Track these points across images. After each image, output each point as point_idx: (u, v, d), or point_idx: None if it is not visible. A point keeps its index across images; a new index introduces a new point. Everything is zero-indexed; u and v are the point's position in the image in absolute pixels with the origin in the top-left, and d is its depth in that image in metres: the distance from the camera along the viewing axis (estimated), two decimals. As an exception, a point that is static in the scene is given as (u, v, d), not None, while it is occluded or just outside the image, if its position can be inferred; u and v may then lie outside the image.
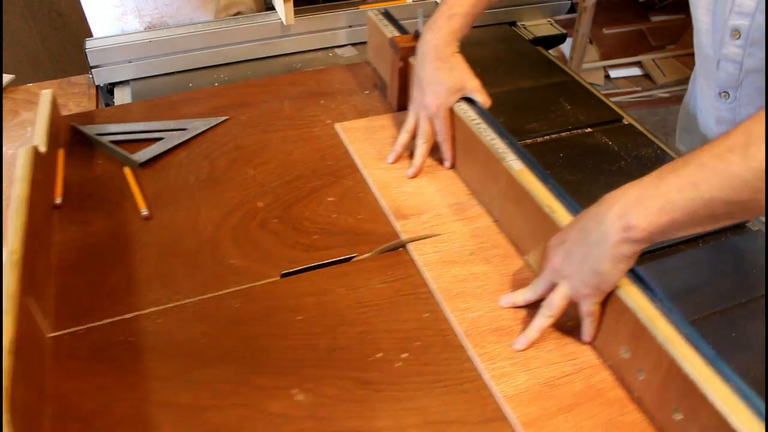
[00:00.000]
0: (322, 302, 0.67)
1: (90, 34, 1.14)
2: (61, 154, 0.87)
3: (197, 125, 0.91)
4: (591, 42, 3.18)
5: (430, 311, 0.66)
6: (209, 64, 1.12)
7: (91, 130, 0.90)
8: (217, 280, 0.70)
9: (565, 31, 1.30)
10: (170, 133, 0.90)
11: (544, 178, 0.68)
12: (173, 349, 0.63)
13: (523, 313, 0.65)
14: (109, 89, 1.10)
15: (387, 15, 0.97)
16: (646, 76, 3.17)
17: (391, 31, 0.92)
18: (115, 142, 0.87)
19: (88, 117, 0.96)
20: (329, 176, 0.83)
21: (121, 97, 1.07)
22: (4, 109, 1.02)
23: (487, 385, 0.59)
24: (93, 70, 1.07)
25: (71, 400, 0.59)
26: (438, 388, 0.59)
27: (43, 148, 0.79)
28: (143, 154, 0.85)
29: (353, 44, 1.19)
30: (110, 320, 0.66)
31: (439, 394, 0.59)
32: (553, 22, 1.30)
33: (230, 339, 0.64)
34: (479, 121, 0.76)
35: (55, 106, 0.90)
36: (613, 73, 3.08)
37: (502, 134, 0.73)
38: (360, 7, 1.17)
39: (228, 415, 0.57)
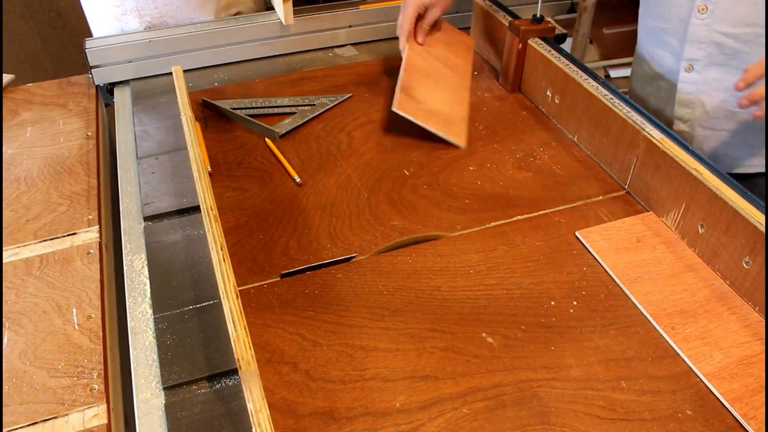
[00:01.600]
0: (489, 258, 0.73)
1: (90, 34, 1.14)
2: (198, 126, 0.91)
3: (325, 101, 0.96)
4: (591, 42, 3.28)
5: (588, 265, 0.72)
6: (209, 64, 1.12)
7: (224, 104, 0.94)
8: (384, 239, 0.75)
9: (565, 31, 1.32)
10: (301, 108, 0.94)
11: (684, 146, 0.75)
12: (359, 300, 0.68)
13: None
14: (109, 89, 1.10)
15: (495, 2, 1.03)
16: (647, 75, 3.29)
17: (503, 16, 0.99)
18: (251, 116, 0.92)
19: (217, 92, 1.00)
20: (465, 148, 0.88)
21: (121, 97, 1.07)
22: (4, 109, 1.01)
23: (687, 363, 0.62)
24: (93, 70, 1.07)
25: (273, 346, 0.64)
26: (612, 330, 0.66)
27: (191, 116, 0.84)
28: (282, 127, 0.90)
29: (353, 44, 1.18)
30: (292, 276, 0.71)
31: (614, 335, 0.65)
32: (553, 22, 1.35)
33: (410, 291, 0.69)
34: (611, 96, 0.82)
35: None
36: (613, 73, 3.17)
37: (636, 108, 0.80)
38: (360, 6, 1.17)
39: (429, 356, 0.63)
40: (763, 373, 0.61)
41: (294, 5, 1.08)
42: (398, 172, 0.84)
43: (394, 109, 0.85)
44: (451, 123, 0.90)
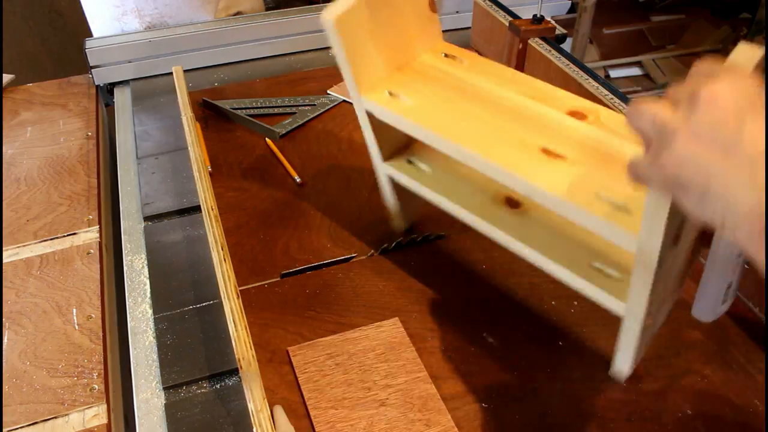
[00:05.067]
0: (491, 258, 0.73)
1: (90, 34, 1.14)
2: (198, 126, 0.91)
3: (325, 101, 0.96)
4: (591, 42, 3.28)
5: (589, 266, 0.72)
6: (209, 64, 1.12)
7: (224, 104, 0.94)
8: (387, 239, 0.75)
9: (565, 31, 1.32)
10: (301, 108, 0.94)
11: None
12: (360, 300, 0.68)
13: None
14: (109, 89, 1.10)
15: (495, 2, 1.03)
16: (646, 76, 3.28)
17: (503, 16, 0.99)
18: (251, 116, 0.92)
19: (217, 92, 1.00)
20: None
21: (121, 97, 1.07)
22: (4, 109, 1.01)
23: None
24: (93, 70, 1.07)
25: (274, 346, 0.64)
26: (614, 329, 0.66)
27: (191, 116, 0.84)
28: (282, 127, 0.90)
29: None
30: (292, 276, 0.71)
31: (615, 334, 0.65)
32: (553, 22, 1.34)
33: (411, 291, 0.69)
34: (611, 96, 0.82)
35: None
36: (613, 73, 3.18)
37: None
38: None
39: (429, 356, 0.62)
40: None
41: (294, 5, 1.08)
42: (399, 172, 0.84)
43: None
44: None
